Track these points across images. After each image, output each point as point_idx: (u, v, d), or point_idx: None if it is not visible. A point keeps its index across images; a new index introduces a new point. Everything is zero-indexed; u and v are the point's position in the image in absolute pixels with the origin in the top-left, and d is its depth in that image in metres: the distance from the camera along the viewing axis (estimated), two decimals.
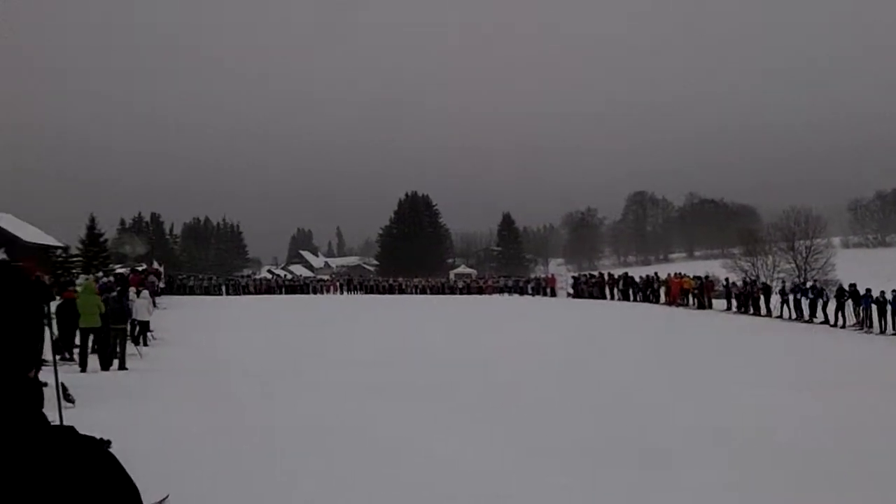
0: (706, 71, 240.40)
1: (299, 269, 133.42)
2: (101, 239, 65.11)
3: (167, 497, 6.73)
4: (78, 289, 21.79)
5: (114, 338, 17.49)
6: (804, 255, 64.89)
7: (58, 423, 7.71)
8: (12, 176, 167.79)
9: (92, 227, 64.05)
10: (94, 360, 17.10)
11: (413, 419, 11.60)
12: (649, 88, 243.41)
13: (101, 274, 30.09)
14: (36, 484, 1.24)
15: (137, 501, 1.37)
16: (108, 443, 1.39)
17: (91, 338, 17.26)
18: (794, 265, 64.03)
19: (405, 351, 20.98)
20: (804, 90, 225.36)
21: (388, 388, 14.43)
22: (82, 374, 16.09)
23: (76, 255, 59.65)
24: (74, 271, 45.26)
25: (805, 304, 32.78)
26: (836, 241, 72.95)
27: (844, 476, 8.52)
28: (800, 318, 32.72)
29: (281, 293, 59.55)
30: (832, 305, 31.07)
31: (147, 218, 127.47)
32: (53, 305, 19.18)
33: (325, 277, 79.88)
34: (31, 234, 52.23)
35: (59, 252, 55.02)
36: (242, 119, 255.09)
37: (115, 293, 20.81)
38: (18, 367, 1.40)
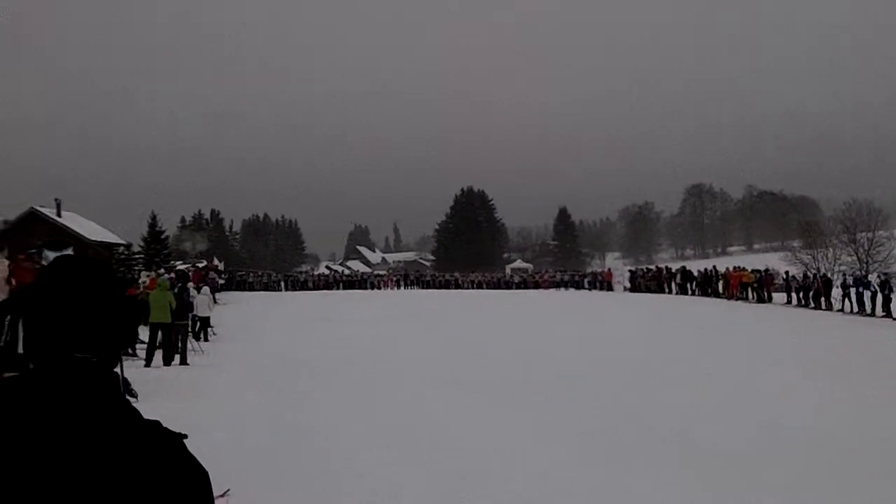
0: (766, 60, 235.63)
1: (357, 265, 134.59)
2: (163, 236, 66.51)
3: (228, 491, 6.86)
4: (142, 285, 22.34)
5: (175, 334, 17.84)
6: (866, 247, 63.35)
7: None
8: (78, 176, 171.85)
9: (153, 224, 65.51)
10: (156, 356, 17.45)
11: (466, 412, 11.62)
12: (707, 79, 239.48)
13: (162, 271, 30.63)
14: (128, 473, 1.34)
15: (209, 491, 1.48)
16: (185, 436, 1.48)
17: (159, 333, 17.61)
18: (855, 258, 62.52)
19: (460, 346, 21.03)
20: (866, 79, 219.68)
21: (445, 383, 14.47)
22: (146, 368, 16.44)
23: (138, 253, 61.04)
24: (137, 268, 46.20)
25: (867, 297, 32.01)
26: None
27: None
28: (862, 311, 31.98)
29: (339, 289, 60.07)
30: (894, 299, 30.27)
31: (207, 215, 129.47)
32: None
33: (382, 273, 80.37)
34: (94, 231, 53.50)
35: (121, 249, 56.31)
36: (300, 117, 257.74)
37: (175, 289, 21.24)
38: (113, 360, 1.50)
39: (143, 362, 17.00)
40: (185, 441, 1.48)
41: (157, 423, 1.47)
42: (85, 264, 1.53)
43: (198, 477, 1.47)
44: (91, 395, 1.39)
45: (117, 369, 1.55)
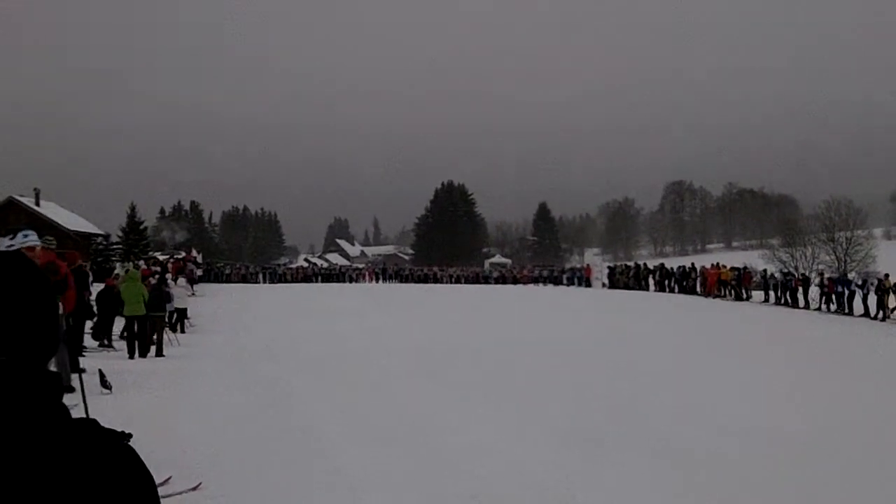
0: (747, 58, 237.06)
1: (335, 258, 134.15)
2: (141, 227, 66.06)
3: (200, 484, 6.82)
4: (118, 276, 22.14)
5: (151, 325, 17.71)
6: (844, 246, 63.84)
7: (85, 410, 7.85)
8: (56, 167, 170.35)
9: (132, 215, 65.02)
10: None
11: (445, 407, 11.62)
12: (687, 77, 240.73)
13: (141, 262, 30.44)
14: (52, 477, 1.25)
15: (154, 496, 1.37)
16: (129, 436, 1.42)
17: (135, 325, 17.43)
18: (833, 257, 63.01)
19: (438, 341, 21.00)
20: (844, 78, 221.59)
21: (423, 377, 14.50)
22: (124, 360, 16.31)
23: (116, 243, 60.59)
24: (114, 259, 45.88)
25: (846, 295, 32.29)
26: (878, 232, 71.54)
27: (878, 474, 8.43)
28: (840, 310, 32.27)
29: (317, 281, 59.91)
30: (873, 298, 30.57)
31: (187, 207, 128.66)
32: (94, 293, 19.54)
33: (361, 266, 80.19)
34: (72, 221, 53.04)
35: (99, 240, 55.88)
36: (279, 110, 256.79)
37: (154, 280, 21.08)
38: (33, 358, 1.41)
39: (120, 354, 16.89)
40: (128, 440, 1.40)
41: (93, 423, 1.39)
42: None
43: (138, 481, 1.38)
44: (2, 397, 1.31)
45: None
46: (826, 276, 37.10)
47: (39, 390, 1.35)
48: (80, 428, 1.34)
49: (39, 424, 1.29)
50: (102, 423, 1.40)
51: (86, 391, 8.37)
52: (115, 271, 23.41)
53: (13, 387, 1.31)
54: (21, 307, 1.40)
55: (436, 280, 61.69)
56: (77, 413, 8.40)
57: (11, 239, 6.71)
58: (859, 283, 32.75)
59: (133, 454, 1.38)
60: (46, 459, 1.25)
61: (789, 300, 36.28)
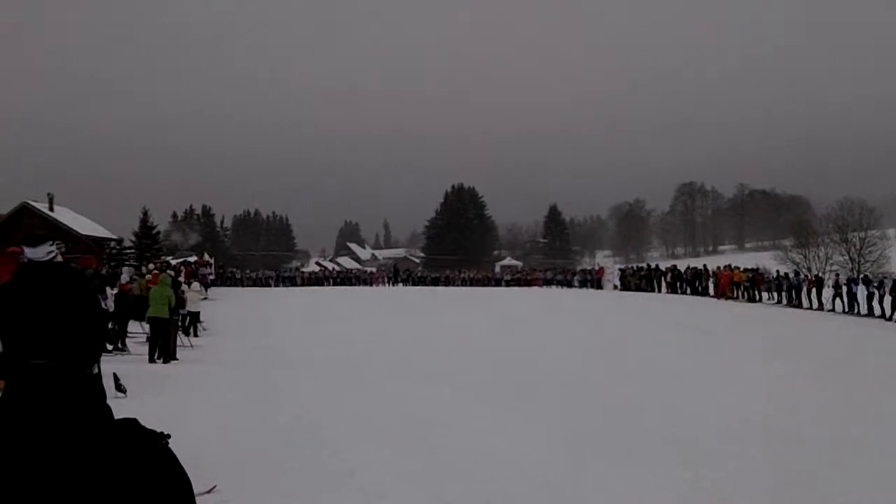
0: (759, 58, 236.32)
1: (347, 262, 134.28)
2: (154, 231, 66.33)
3: (215, 487, 6.84)
4: (124, 279, 22.20)
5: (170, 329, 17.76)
6: (858, 246, 63.44)
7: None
8: (70, 173, 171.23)
9: (145, 219, 65.27)
10: (144, 350, 17.40)
11: (456, 410, 11.62)
12: (698, 77, 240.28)
13: (151, 266, 30.53)
14: (96, 476, 1.32)
15: (190, 494, 1.45)
16: (168, 436, 1.46)
17: (159, 329, 17.35)
18: (847, 257, 62.61)
19: (451, 343, 21.02)
20: (856, 76, 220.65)
21: (436, 380, 14.47)
22: (135, 364, 16.35)
23: (129, 248, 60.85)
24: (127, 263, 46.09)
25: (861, 296, 32.04)
26: (892, 232, 71.02)
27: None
28: (852, 311, 32.07)
29: (329, 285, 59.99)
30: (888, 299, 30.30)
31: (199, 211, 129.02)
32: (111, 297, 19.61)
33: (373, 269, 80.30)
34: (86, 226, 53.23)
35: (112, 244, 56.11)
36: (290, 113, 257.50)
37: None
38: (78, 362, 1.48)
39: (133, 357, 16.93)
40: (167, 440, 1.46)
41: (133, 422, 1.45)
42: (40, 271, 1.53)
43: (175, 481, 1.44)
44: (49, 400, 1.37)
45: (103, 366, 1.53)
46: (841, 276, 36.79)
47: (84, 393, 1.43)
48: (122, 428, 1.41)
49: (85, 425, 1.36)
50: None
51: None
52: (123, 276, 23.39)
53: (60, 390, 1.39)
54: (66, 313, 1.48)
55: (449, 283, 61.74)
56: None
57: (51, 246, 6.73)
58: (876, 283, 32.47)
59: (170, 453, 1.44)
60: (91, 459, 1.32)
61: (801, 301, 36.08)
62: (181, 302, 19.99)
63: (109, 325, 18.55)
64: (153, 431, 1.46)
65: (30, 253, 6.61)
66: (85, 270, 15.29)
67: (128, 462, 1.36)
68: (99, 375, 1.49)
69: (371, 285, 61.02)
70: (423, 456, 8.58)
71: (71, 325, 1.47)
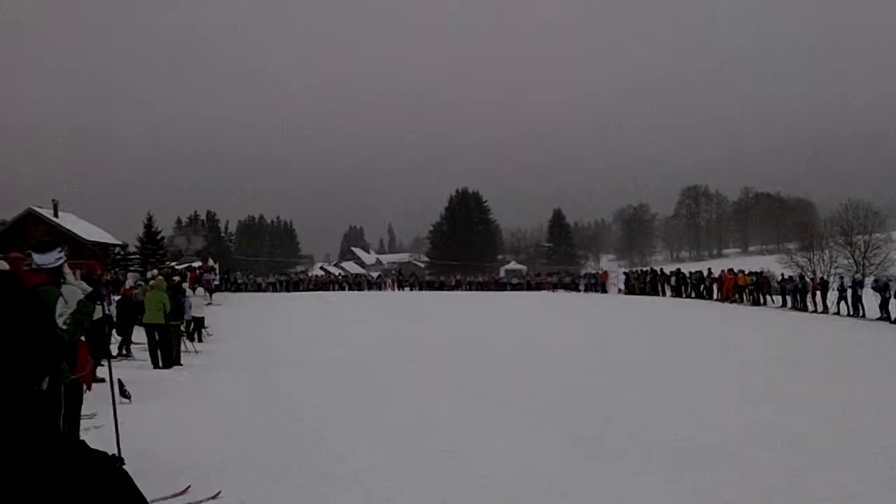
0: (764, 60, 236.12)
1: (351, 266, 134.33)
2: (158, 237, 66.42)
3: (219, 493, 6.83)
4: (128, 285, 22.23)
5: (168, 335, 17.76)
6: (862, 249, 63.31)
7: (112, 419, 7.85)
8: (74, 178, 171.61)
9: (149, 225, 65.37)
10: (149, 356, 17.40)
11: (462, 414, 11.60)
12: (703, 80, 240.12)
13: (155, 272, 30.60)
14: (35, 499, 1.21)
15: None
16: (121, 460, 1.37)
17: (156, 334, 17.30)
18: (851, 260, 62.46)
19: (456, 347, 21.01)
20: (861, 79, 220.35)
21: (442, 385, 14.44)
22: (140, 370, 16.36)
23: (134, 253, 60.97)
24: (132, 268, 46.17)
25: (867, 299, 31.89)
26: None
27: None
28: (857, 314, 31.98)
29: (334, 290, 60.03)
30: (894, 302, 30.15)
31: (203, 216, 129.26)
32: (114, 302, 19.66)
33: (377, 273, 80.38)
34: (90, 232, 53.36)
35: (117, 250, 56.22)
36: (295, 118, 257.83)
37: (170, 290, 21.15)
38: (22, 379, 1.34)
39: (138, 364, 16.94)
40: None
41: (81, 445, 1.35)
42: None
43: (126, 501, 1.34)
44: None
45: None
46: (844, 279, 36.64)
47: (28, 412, 1.29)
48: (66, 450, 1.29)
49: (25, 447, 1.24)
50: (121, 433, 1.38)
51: (103, 401, 8.40)
52: (127, 282, 23.43)
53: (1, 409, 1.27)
54: (4, 328, 1.34)
55: (455, 287, 61.87)
56: (106, 420, 8.44)
57: (59, 252, 6.75)
58: (881, 286, 32.33)
59: (123, 476, 1.33)
60: (32, 481, 1.20)
61: (806, 305, 35.98)
62: (180, 307, 20.00)
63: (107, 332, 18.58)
64: (104, 454, 1.36)
65: (39, 259, 6.63)
66: (97, 275, 15.30)
67: (71, 484, 1.25)
68: (50, 391, 1.37)
69: (380, 289, 61.15)
70: (431, 460, 8.55)
71: (9, 341, 1.35)
